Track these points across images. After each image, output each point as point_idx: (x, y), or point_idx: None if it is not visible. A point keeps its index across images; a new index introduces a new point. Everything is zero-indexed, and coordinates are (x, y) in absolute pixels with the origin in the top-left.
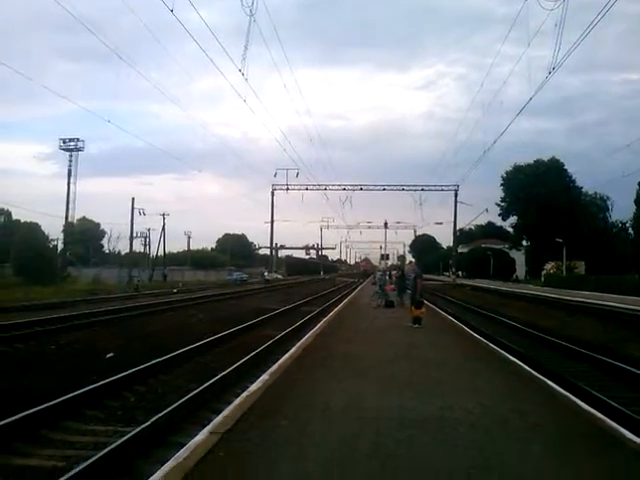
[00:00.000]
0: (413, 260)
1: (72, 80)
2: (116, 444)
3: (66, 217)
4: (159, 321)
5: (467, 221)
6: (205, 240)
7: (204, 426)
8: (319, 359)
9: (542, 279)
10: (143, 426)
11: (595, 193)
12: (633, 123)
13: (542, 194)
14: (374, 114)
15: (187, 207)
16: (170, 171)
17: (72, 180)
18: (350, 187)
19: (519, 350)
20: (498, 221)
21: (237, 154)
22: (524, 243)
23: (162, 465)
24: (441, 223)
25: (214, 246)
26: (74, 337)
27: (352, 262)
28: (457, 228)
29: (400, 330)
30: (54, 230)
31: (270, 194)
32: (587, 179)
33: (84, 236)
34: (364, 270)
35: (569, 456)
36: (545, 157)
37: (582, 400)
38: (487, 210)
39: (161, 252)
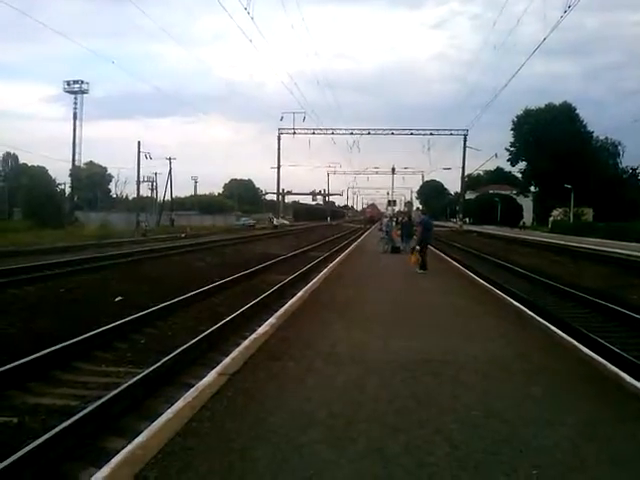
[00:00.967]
0: (420, 206)
1: (75, 19)
2: (127, 384)
3: (73, 161)
4: (167, 265)
5: (476, 167)
6: (212, 185)
7: (212, 368)
8: (325, 303)
9: (549, 226)
10: (153, 367)
11: (606, 138)
12: None
13: (552, 139)
14: (384, 55)
15: (194, 151)
16: (177, 114)
17: (78, 123)
18: (358, 131)
19: (523, 296)
20: (507, 167)
21: (243, 97)
22: (532, 189)
23: (171, 404)
24: (449, 168)
25: (221, 191)
26: (83, 280)
27: (359, 208)
28: (465, 174)
29: (405, 275)
30: (61, 174)
31: (276, 138)
32: (599, 125)
33: (91, 180)
34: (370, 217)
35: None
36: (557, 102)
37: (585, 345)
38: (496, 155)
39: (168, 197)
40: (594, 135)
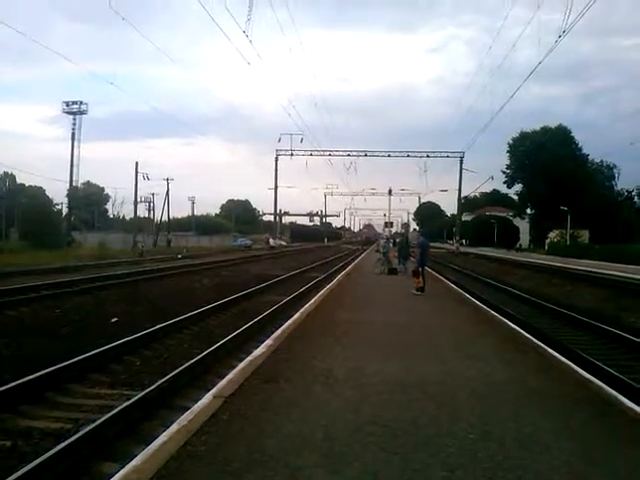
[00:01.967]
0: (417, 228)
1: (75, 41)
2: (121, 407)
3: (70, 181)
4: (164, 286)
5: (472, 189)
6: (209, 206)
7: (208, 390)
8: (323, 325)
9: (546, 248)
10: (148, 390)
11: (601, 161)
12: None
13: (548, 162)
14: (381, 78)
15: (191, 172)
16: (175, 136)
17: (76, 144)
18: (355, 153)
19: (520, 318)
20: (503, 189)
21: (241, 118)
22: (528, 211)
23: (167, 428)
24: (446, 190)
25: (218, 212)
26: (79, 301)
27: (356, 229)
28: (462, 196)
29: (403, 297)
30: (58, 194)
31: (274, 159)
32: (594, 147)
33: (88, 200)
34: (366, 238)
35: (568, 421)
36: (553, 125)
37: (581, 368)
38: (492, 178)
39: (165, 217)
40: (590, 158)
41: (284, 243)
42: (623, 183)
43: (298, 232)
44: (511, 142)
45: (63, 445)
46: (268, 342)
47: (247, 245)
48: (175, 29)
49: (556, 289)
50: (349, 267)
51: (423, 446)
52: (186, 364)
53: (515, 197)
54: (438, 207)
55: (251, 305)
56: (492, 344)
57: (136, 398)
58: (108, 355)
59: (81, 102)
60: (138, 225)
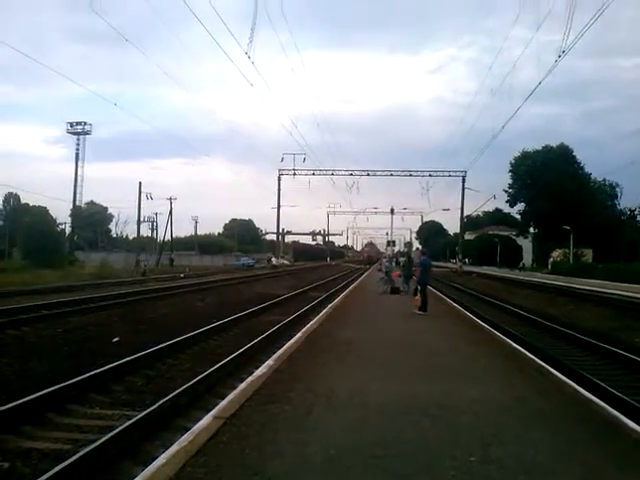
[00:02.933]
0: (420, 247)
1: (79, 62)
2: (121, 427)
3: (74, 201)
4: (166, 306)
5: (474, 208)
6: (212, 225)
7: (209, 411)
8: (324, 344)
9: (549, 267)
10: (148, 410)
11: (604, 180)
12: None
13: (550, 181)
14: (383, 99)
15: (194, 192)
16: (178, 156)
17: (80, 164)
18: (357, 172)
19: (523, 338)
20: (506, 208)
21: (244, 138)
22: (531, 230)
23: (166, 449)
24: (448, 209)
25: (221, 231)
26: (81, 321)
27: (359, 248)
28: (464, 215)
29: (405, 317)
30: (62, 214)
31: (277, 179)
32: (596, 166)
33: (92, 220)
34: (368, 257)
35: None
36: (554, 144)
37: (584, 388)
38: (495, 197)
39: (168, 237)
40: (592, 177)
41: (287, 262)
42: (626, 202)
43: (301, 251)
44: (513, 161)
45: (61, 467)
46: (269, 362)
47: (250, 264)
48: (179, 51)
49: (560, 309)
50: (351, 286)
51: (423, 469)
52: (187, 384)
53: (518, 216)
54: (441, 226)
55: (253, 325)
56: (494, 364)
57: (136, 418)
58: (109, 375)
59: (85, 123)
60: (141, 244)
